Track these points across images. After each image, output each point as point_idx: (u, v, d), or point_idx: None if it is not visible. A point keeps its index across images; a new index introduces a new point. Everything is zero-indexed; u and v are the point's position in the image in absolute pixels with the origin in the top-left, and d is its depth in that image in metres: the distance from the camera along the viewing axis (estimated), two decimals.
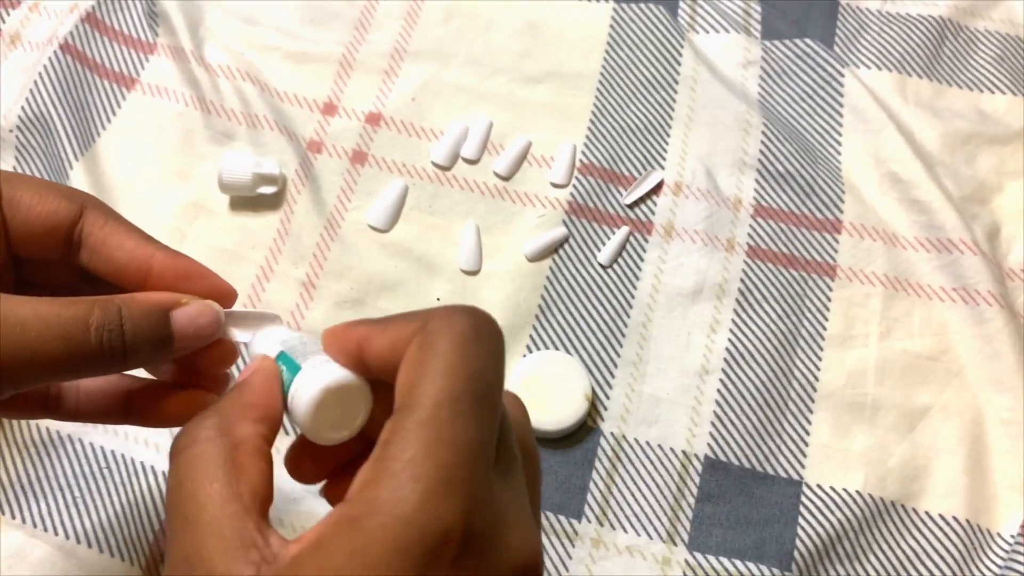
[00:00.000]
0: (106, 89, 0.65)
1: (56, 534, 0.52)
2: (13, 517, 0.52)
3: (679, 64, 0.66)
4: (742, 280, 0.59)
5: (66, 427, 0.55)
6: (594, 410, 0.56)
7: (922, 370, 0.57)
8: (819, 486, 0.54)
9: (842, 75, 0.66)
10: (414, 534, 0.22)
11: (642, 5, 0.69)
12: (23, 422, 0.54)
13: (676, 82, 0.66)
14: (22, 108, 0.64)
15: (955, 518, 0.53)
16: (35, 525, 0.52)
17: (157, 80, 0.66)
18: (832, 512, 0.53)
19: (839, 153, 0.64)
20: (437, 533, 0.23)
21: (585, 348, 0.58)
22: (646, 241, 0.61)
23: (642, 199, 0.62)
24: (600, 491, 0.54)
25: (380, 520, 0.23)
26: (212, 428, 0.27)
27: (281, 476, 0.29)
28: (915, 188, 0.61)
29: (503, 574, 0.24)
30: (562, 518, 0.53)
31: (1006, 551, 0.52)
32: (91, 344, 0.29)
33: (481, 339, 0.26)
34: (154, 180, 0.62)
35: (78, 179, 0.61)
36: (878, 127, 0.64)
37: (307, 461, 0.31)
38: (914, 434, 0.55)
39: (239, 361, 0.47)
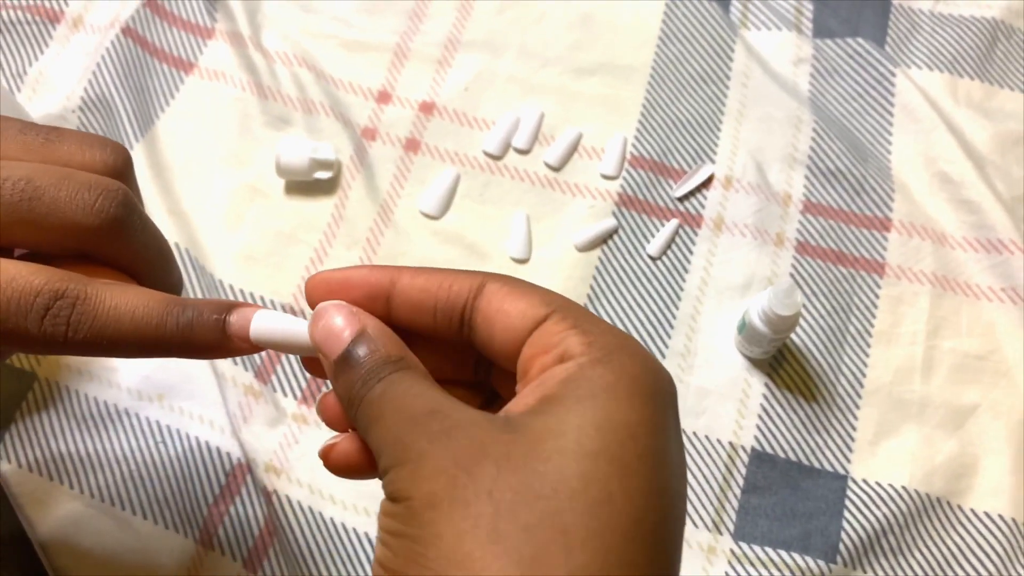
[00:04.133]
0: (165, 73, 0.67)
1: (113, 505, 0.53)
2: (71, 488, 0.54)
3: (731, 60, 0.67)
4: (791, 275, 0.59)
5: (123, 401, 0.56)
6: None
7: (970, 369, 0.57)
8: (865, 480, 0.54)
9: (893, 75, 0.66)
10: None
11: (695, 1, 0.69)
12: (82, 395, 0.56)
13: (728, 77, 0.66)
14: (84, 90, 0.65)
15: (1000, 516, 0.53)
16: (93, 496, 0.54)
17: (215, 65, 0.67)
18: (878, 507, 0.53)
19: (889, 152, 0.64)
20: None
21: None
22: (696, 234, 0.61)
23: (692, 192, 0.62)
24: None
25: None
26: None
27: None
28: (965, 188, 0.61)
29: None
30: None
31: None
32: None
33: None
34: (211, 163, 0.64)
35: (138, 160, 0.62)
36: (929, 127, 0.64)
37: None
38: (961, 432, 0.55)
39: None
